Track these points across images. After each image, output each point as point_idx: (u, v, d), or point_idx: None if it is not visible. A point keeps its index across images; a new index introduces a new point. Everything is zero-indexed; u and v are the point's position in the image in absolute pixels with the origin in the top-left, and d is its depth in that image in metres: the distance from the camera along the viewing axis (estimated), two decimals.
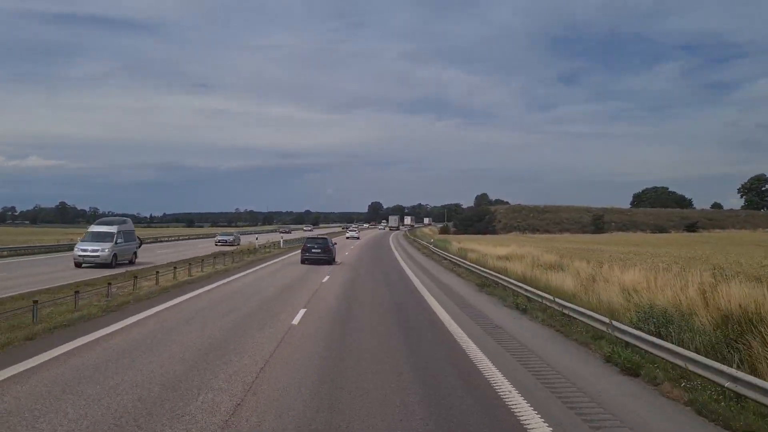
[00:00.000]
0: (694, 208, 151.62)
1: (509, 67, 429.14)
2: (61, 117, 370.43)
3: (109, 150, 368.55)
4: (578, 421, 6.59)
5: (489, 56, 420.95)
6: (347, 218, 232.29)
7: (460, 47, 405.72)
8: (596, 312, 12.77)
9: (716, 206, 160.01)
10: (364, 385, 7.76)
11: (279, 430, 6.00)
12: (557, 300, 13.93)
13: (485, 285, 20.63)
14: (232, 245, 47.18)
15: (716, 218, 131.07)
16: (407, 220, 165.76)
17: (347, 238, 75.63)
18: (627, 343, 9.91)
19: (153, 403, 6.68)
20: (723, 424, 6.54)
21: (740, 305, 9.63)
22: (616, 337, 10.25)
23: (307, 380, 7.94)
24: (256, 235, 54.37)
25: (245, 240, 54.82)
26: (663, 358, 8.71)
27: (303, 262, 29.95)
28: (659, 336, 10.29)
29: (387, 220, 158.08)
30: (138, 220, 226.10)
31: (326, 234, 49.15)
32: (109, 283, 16.12)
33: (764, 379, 6.88)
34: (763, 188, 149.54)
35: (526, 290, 16.59)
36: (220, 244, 49.50)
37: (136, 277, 17.95)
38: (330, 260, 30.49)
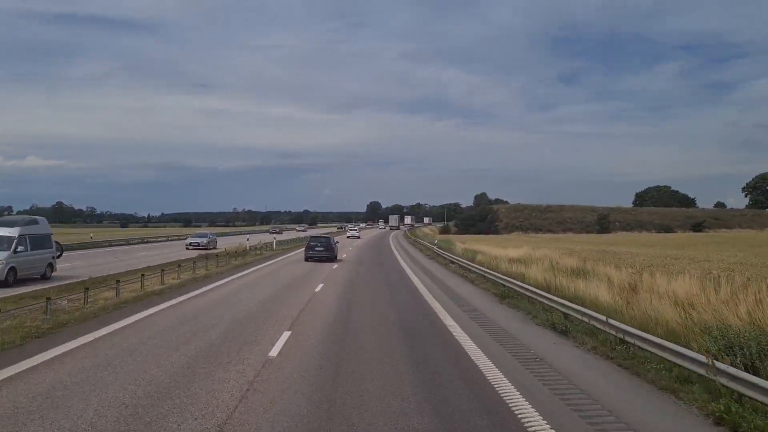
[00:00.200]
0: (697, 207, 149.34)
1: (509, 67, 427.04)
2: (61, 117, 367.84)
3: (109, 150, 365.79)
4: None
5: (489, 56, 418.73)
6: (346, 218, 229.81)
7: (460, 47, 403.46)
8: (653, 334, 9.85)
9: (719, 205, 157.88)
10: None
11: None
12: (611, 321, 10.89)
13: (505, 296, 17.61)
14: (206, 248, 41.27)
15: (722, 218, 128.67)
16: (407, 219, 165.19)
17: (348, 237, 77.04)
18: (740, 395, 6.92)
19: None
20: None
21: None
22: (721, 384, 7.23)
23: None
24: (247, 236, 50.75)
25: (236, 241, 50.38)
26: None
27: (307, 259, 31.82)
28: (755, 372, 7.36)
29: (386, 220, 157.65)
30: (135, 220, 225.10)
31: (325, 234, 47.73)
32: None
33: None
34: (767, 187, 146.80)
35: (562, 305, 13.57)
36: (192, 247, 42.73)
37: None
38: (332, 258, 32.25)
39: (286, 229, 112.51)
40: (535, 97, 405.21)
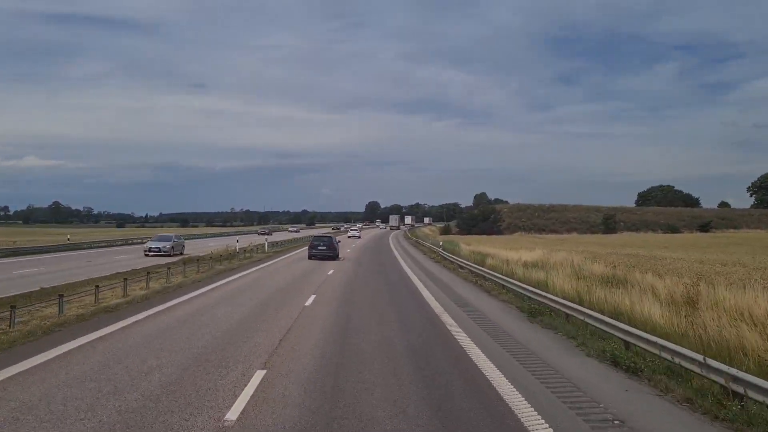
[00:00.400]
0: (701, 207, 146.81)
1: (508, 67, 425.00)
2: (61, 117, 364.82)
3: (108, 150, 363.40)
4: None
5: (488, 56, 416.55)
6: (344, 218, 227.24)
7: (460, 47, 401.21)
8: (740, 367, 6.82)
9: (723, 205, 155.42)
10: None
11: None
12: (711, 363, 7.74)
13: (534, 312, 14.47)
14: (168, 255, 33.99)
15: (728, 217, 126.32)
16: (408, 219, 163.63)
17: (349, 237, 78.85)
18: None
19: None
20: None
21: None
22: None
23: None
24: (237, 238, 47.03)
25: (224, 243, 46.23)
26: None
27: (310, 257, 33.31)
28: None
29: (387, 220, 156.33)
30: (133, 220, 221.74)
31: (326, 234, 46.87)
32: None
33: None
34: None
35: (622, 330, 10.42)
36: (151, 253, 34.57)
37: None
38: (334, 256, 34.05)
39: (278, 230, 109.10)
40: (534, 97, 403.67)
